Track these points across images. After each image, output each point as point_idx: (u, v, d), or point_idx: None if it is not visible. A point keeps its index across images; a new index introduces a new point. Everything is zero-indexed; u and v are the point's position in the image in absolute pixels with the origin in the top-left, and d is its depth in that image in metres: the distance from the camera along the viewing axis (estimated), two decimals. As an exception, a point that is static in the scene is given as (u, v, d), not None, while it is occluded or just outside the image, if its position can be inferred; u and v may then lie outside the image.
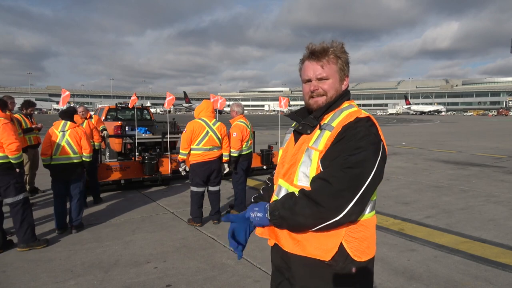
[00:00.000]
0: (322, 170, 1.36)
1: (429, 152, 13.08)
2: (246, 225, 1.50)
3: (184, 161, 5.15)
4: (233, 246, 1.49)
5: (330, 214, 1.29)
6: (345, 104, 1.50)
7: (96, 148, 6.46)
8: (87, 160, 4.92)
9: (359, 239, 1.39)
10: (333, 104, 1.47)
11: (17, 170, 4.10)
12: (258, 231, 1.55)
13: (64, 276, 3.48)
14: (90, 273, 3.54)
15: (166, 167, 7.60)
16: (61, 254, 4.01)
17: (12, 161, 4.00)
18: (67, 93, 7.41)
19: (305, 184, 1.40)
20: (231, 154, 5.32)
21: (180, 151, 5.05)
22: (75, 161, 4.78)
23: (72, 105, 8.99)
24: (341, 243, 1.36)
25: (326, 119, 1.45)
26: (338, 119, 1.41)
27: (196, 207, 4.99)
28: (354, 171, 1.29)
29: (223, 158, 5.21)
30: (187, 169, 5.17)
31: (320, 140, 1.40)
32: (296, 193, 1.38)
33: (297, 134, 1.53)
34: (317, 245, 1.37)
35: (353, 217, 1.32)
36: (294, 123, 1.64)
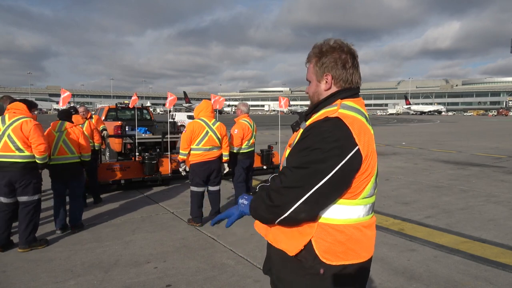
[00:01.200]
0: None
1: (429, 152, 13.08)
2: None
3: (184, 161, 5.15)
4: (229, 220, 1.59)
5: (279, 209, 1.32)
6: (335, 103, 1.43)
7: (96, 149, 6.45)
8: (86, 160, 4.93)
9: (331, 242, 1.36)
10: (321, 103, 1.46)
11: (40, 171, 4.23)
12: (256, 226, 1.60)
13: (64, 276, 3.48)
14: (90, 273, 3.54)
15: (166, 167, 7.60)
16: (61, 254, 4.01)
17: (38, 161, 4.12)
18: (68, 93, 7.40)
19: None
20: (230, 151, 5.34)
21: (180, 151, 5.06)
22: (73, 161, 4.79)
23: (72, 105, 8.96)
24: (310, 242, 1.36)
25: (311, 118, 1.45)
26: (312, 119, 1.41)
27: (196, 207, 4.99)
28: (303, 172, 1.28)
29: (223, 158, 5.21)
30: (187, 169, 5.17)
31: (296, 138, 1.44)
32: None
33: (292, 131, 1.59)
34: (285, 240, 1.42)
35: (303, 215, 1.31)
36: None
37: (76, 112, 6.31)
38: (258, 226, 1.56)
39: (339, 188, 1.31)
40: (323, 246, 1.36)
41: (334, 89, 1.46)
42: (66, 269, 3.63)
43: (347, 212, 1.37)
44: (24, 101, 4.31)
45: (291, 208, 1.30)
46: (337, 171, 1.26)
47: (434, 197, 6.50)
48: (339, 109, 1.37)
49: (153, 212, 5.64)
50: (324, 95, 1.47)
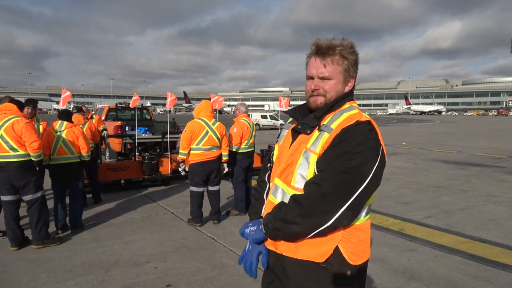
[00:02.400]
0: (316, 173, 1.34)
1: (429, 152, 13.08)
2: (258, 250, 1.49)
3: (183, 161, 5.15)
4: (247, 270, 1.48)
5: (321, 219, 1.28)
6: (346, 105, 1.45)
7: (92, 149, 6.41)
8: (86, 159, 4.93)
9: (356, 243, 1.38)
10: (334, 105, 1.43)
11: (37, 168, 4.23)
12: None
13: (64, 276, 3.48)
14: (90, 273, 3.54)
15: (166, 167, 7.60)
16: (61, 254, 4.01)
17: (33, 159, 4.12)
18: (68, 93, 7.42)
19: (301, 186, 1.38)
20: (230, 150, 5.34)
21: (180, 151, 5.06)
22: (73, 161, 4.79)
23: (74, 104, 8.96)
24: (337, 247, 1.35)
25: (326, 119, 1.41)
26: (337, 121, 1.37)
27: (196, 207, 4.99)
28: (349, 176, 1.26)
29: (223, 158, 5.21)
30: (187, 169, 5.17)
31: (318, 142, 1.36)
32: (286, 201, 1.38)
33: (295, 133, 1.48)
34: (312, 249, 1.36)
35: (345, 222, 1.30)
36: (291, 118, 1.61)
37: (80, 110, 6.31)
38: (268, 240, 1.47)
39: (375, 188, 1.34)
40: (349, 248, 1.36)
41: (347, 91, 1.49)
42: (66, 269, 3.63)
43: (366, 210, 1.42)
44: (14, 101, 4.33)
45: (334, 216, 1.27)
46: (374, 171, 1.30)
47: (434, 197, 6.50)
48: (363, 113, 1.41)
49: (153, 212, 5.64)
50: (342, 95, 1.46)
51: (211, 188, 5.16)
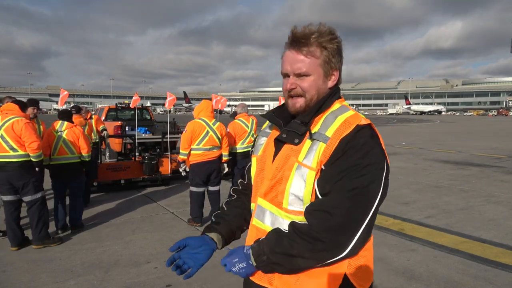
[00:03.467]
0: (319, 195, 1.13)
1: (429, 152, 13.08)
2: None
3: (184, 161, 5.15)
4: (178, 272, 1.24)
5: (335, 252, 1.09)
6: (336, 104, 1.23)
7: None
8: (86, 160, 4.93)
9: (363, 266, 1.19)
10: (322, 105, 1.21)
11: (37, 168, 4.23)
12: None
13: (64, 276, 3.48)
14: (90, 273, 3.54)
15: (166, 167, 7.60)
16: (61, 254, 4.01)
17: (33, 159, 4.12)
18: (65, 93, 7.43)
19: (298, 208, 1.16)
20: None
21: (180, 151, 5.06)
22: (73, 161, 4.80)
23: (73, 104, 8.97)
24: (344, 274, 1.15)
25: (316, 125, 1.18)
26: (333, 127, 1.14)
27: (196, 207, 4.99)
28: (362, 198, 1.08)
29: (223, 158, 5.22)
30: (187, 169, 5.17)
31: (313, 155, 1.13)
32: (284, 228, 1.16)
33: (279, 143, 1.24)
34: (317, 279, 1.15)
35: (358, 249, 1.13)
36: (267, 123, 1.38)
37: (79, 110, 6.31)
38: (259, 274, 1.23)
39: (383, 200, 1.15)
40: (358, 273, 1.18)
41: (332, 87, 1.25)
42: (66, 269, 3.63)
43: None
44: (16, 101, 4.36)
45: (350, 245, 1.08)
46: (383, 184, 1.13)
47: (434, 197, 6.50)
48: (359, 113, 1.20)
49: (153, 212, 5.64)
50: (324, 94, 1.22)
51: (211, 188, 5.16)
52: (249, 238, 1.31)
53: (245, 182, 1.46)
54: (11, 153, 4.01)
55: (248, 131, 5.65)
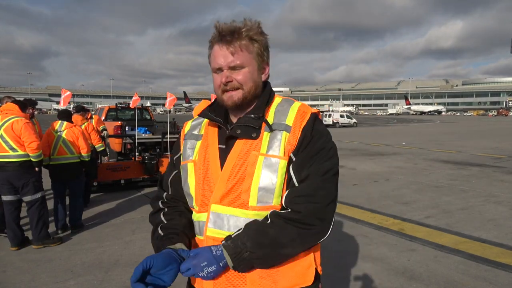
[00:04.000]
0: (295, 182, 1.12)
1: (429, 152, 13.08)
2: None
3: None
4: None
5: (323, 233, 1.10)
6: (277, 98, 1.27)
7: (98, 150, 6.47)
8: (86, 160, 4.93)
9: (319, 247, 1.22)
10: (269, 98, 1.23)
11: (36, 168, 4.24)
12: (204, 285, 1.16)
13: (64, 276, 3.48)
14: (90, 273, 3.54)
15: (166, 167, 7.58)
16: (61, 254, 4.01)
17: (32, 159, 4.12)
18: (68, 93, 7.42)
19: (268, 203, 1.12)
20: None
21: (180, 151, 5.05)
22: (72, 161, 4.80)
23: (72, 105, 8.98)
24: (314, 257, 1.18)
25: (267, 116, 1.19)
26: (290, 117, 1.17)
27: (196, 207, 4.99)
28: (335, 176, 1.15)
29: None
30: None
31: (278, 145, 1.13)
32: (262, 218, 1.11)
33: (230, 140, 1.18)
34: (293, 273, 1.13)
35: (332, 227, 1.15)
36: (190, 126, 1.32)
37: (82, 109, 6.35)
38: (229, 276, 1.11)
39: None
40: (318, 254, 1.21)
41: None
42: (66, 269, 3.63)
43: None
44: (16, 101, 4.37)
45: (331, 223, 1.12)
46: (337, 157, 1.22)
47: (434, 197, 6.50)
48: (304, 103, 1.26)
49: (153, 212, 5.63)
50: (260, 87, 1.22)
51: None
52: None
53: (170, 194, 1.30)
54: (11, 153, 4.01)
55: None
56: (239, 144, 1.15)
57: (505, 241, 4.34)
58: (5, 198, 4.11)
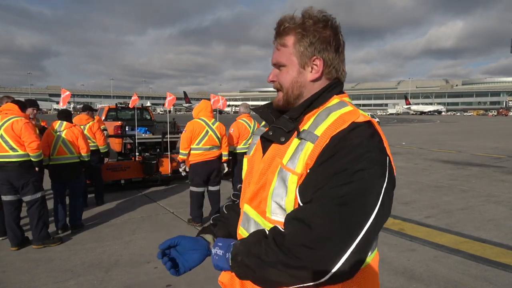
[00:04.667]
0: (300, 203, 0.94)
1: (429, 152, 13.08)
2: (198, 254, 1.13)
3: (184, 161, 5.15)
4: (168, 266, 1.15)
5: (315, 273, 0.86)
6: (334, 99, 1.05)
7: (102, 151, 6.49)
8: (85, 160, 4.93)
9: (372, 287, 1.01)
10: (315, 101, 1.04)
11: (36, 168, 4.24)
12: (222, 277, 1.19)
13: (64, 276, 3.48)
14: (90, 273, 3.54)
15: (166, 167, 7.60)
16: (61, 254, 4.01)
17: (32, 159, 4.13)
18: (67, 93, 7.42)
19: (281, 219, 0.99)
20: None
21: (180, 151, 5.06)
22: (72, 161, 4.80)
23: (72, 105, 8.99)
24: None
25: (307, 122, 1.02)
26: (324, 125, 0.96)
27: (196, 207, 4.99)
28: (349, 210, 0.86)
29: (223, 157, 5.22)
30: (187, 169, 5.17)
31: (298, 157, 0.96)
32: (267, 232, 0.98)
33: (266, 142, 1.08)
34: None
35: (348, 275, 0.88)
36: (264, 123, 1.23)
37: (90, 109, 6.40)
38: (228, 283, 1.13)
39: (386, 218, 0.93)
40: None
41: (324, 80, 1.07)
42: (66, 269, 3.63)
43: (375, 243, 1.03)
44: (16, 101, 4.37)
45: (333, 267, 0.85)
46: (383, 196, 0.91)
47: (434, 197, 6.50)
48: (359, 110, 1.02)
49: (153, 212, 5.64)
50: (310, 87, 1.06)
51: (211, 188, 5.16)
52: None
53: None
54: (11, 153, 4.02)
55: (251, 131, 5.65)
56: (272, 148, 1.06)
57: (505, 241, 4.34)
58: (5, 198, 4.11)
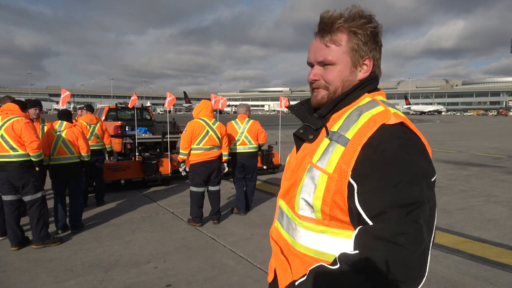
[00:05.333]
0: (366, 218, 0.89)
1: (429, 152, 13.07)
2: None
3: (184, 161, 5.15)
4: None
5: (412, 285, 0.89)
6: (365, 98, 1.04)
7: (108, 150, 6.63)
8: (86, 159, 4.93)
9: None
10: (345, 98, 1.04)
11: (37, 168, 4.23)
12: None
13: (64, 276, 3.48)
14: (90, 273, 3.54)
15: (166, 167, 7.60)
16: (61, 254, 4.01)
17: (33, 159, 4.12)
18: (67, 93, 7.42)
19: (309, 214, 1.00)
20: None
21: (180, 151, 5.06)
22: (72, 161, 4.80)
23: (72, 105, 9.01)
24: None
25: (337, 122, 1.02)
26: (354, 127, 0.95)
27: (196, 207, 4.99)
28: (421, 212, 0.87)
29: (223, 157, 5.22)
30: (187, 169, 5.17)
31: (328, 158, 0.96)
32: (330, 261, 0.94)
33: (299, 140, 1.11)
34: None
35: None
36: None
37: (90, 108, 6.50)
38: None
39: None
40: None
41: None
42: (66, 269, 3.63)
43: None
44: (16, 101, 4.37)
45: (426, 273, 0.90)
46: (432, 203, 0.91)
47: (434, 197, 6.49)
48: (392, 110, 0.99)
49: (153, 212, 5.64)
50: (356, 84, 1.06)
51: (211, 188, 5.16)
52: (271, 239, 1.24)
53: None
54: (11, 152, 4.02)
55: (239, 132, 5.57)
56: (304, 147, 1.08)
57: (505, 241, 4.34)
58: (5, 198, 4.11)
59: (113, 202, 6.21)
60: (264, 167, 8.52)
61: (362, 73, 1.06)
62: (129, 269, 3.63)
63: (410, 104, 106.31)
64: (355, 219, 0.93)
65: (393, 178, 0.87)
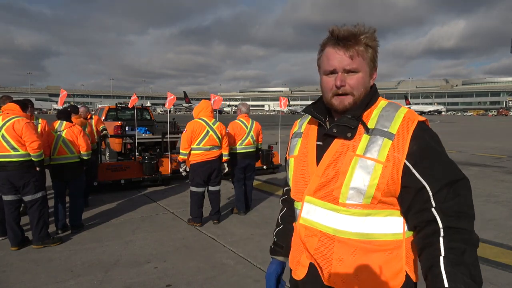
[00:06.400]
0: (431, 194, 1.21)
1: (429, 152, 13.07)
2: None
3: (184, 161, 5.15)
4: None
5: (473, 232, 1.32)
6: (381, 101, 1.29)
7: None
8: (86, 158, 4.93)
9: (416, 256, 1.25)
10: (370, 101, 1.25)
11: (37, 168, 4.23)
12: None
13: (64, 276, 3.48)
14: (90, 273, 3.54)
15: (166, 167, 7.60)
16: (61, 254, 4.01)
17: (33, 159, 4.13)
18: (64, 92, 7.49)
19: (357, 201, 1.16)
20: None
21: (181, 151, 5.06)
22: (73, 160, 4.80)
23: (72, 104, 8.98)
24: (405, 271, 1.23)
25: (370, 119, 1.21)
26: (395, 123, 1.17)
27: (196, 207, 4.99)
28: (467, 185, 1.36)
29: (223, 157, 5.22)
30: (188, 169, 5.17)
31: (378, 150, 1.15)
32: (335, 222, 1.20)
33: (328, 138, 1.24)
34: (380, 277, 1.19)
35: None
36: (297, 126, 1.43)
37: (75, 110, 6.24)
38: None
39: None
40: (412, 262, 1.26)
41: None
42: (66, 269, 3.63)
43: None
44: (17, 101, 4.38)
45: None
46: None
47: (434, 197, 6.49)
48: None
49: (153, 212, 5.64)
50: (370, 91, 1.28)
51: (211, 188, 5.16)
52: (295, 238, 1.33)
53: (288, 188, 1.50)
54: (12, 152, 4.02)
55: (247, 131, 5.61)
56: (337, 143, 1.21)
57: (505, 241, 4.34)
58: (5, 198, 4.11)
59: (113, 202, 6.21)
60: (264, 167, 8.52)
61: (372, 81, 1.28)
62: (129, 269, 3.63)
63: (410, 104, 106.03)
64: (404, 196, 1.17)
65: (441, 157, 1.26)
